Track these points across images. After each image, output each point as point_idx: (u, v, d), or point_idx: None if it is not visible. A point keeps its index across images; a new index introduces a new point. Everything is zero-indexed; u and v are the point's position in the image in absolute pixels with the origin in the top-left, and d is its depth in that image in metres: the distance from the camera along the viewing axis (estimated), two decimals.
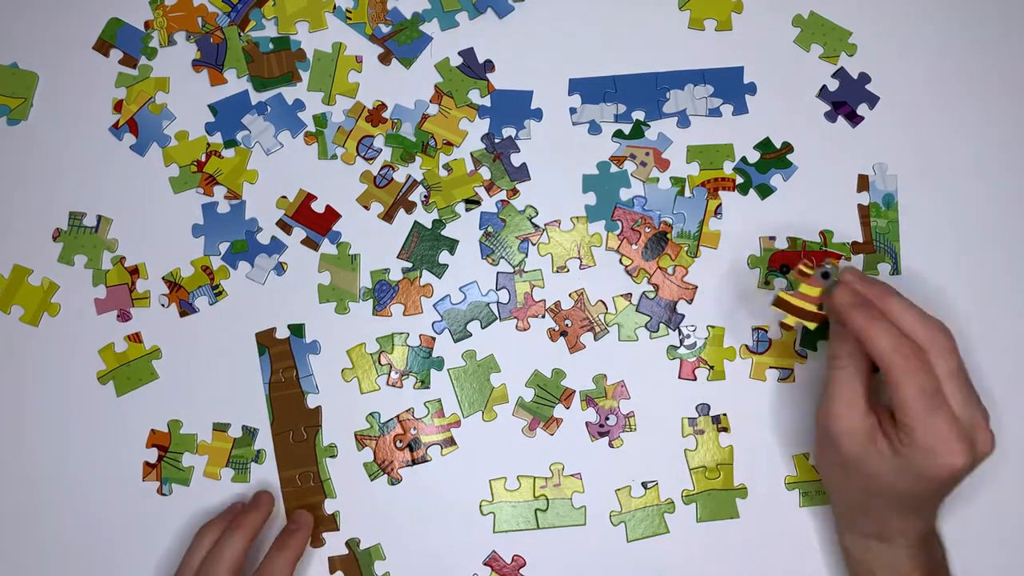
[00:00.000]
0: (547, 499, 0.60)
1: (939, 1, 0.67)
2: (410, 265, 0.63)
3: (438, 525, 0.60)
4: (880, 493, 0.51)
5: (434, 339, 0.62)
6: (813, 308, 0.54)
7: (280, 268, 0.63)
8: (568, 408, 0.61)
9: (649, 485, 0.60)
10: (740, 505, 0.60)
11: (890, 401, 0.49)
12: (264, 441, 0.61)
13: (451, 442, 0.61)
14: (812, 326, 0.54)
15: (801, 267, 0.54)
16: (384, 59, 0.66)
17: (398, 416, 0.61)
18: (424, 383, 0.62)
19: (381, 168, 0.64)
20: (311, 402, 0.62)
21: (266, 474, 0.61)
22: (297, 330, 0.63)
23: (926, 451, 0.48)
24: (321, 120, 0.65)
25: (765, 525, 0.60)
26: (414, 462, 0.61)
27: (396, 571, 0.60)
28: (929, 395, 0.48)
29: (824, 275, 0.53)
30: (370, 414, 0.62)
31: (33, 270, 0.64)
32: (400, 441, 0.61)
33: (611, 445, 0.61)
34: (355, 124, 0.65)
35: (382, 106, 0.65)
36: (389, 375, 0.62)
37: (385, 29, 0.66)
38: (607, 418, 0.61)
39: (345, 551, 0.60)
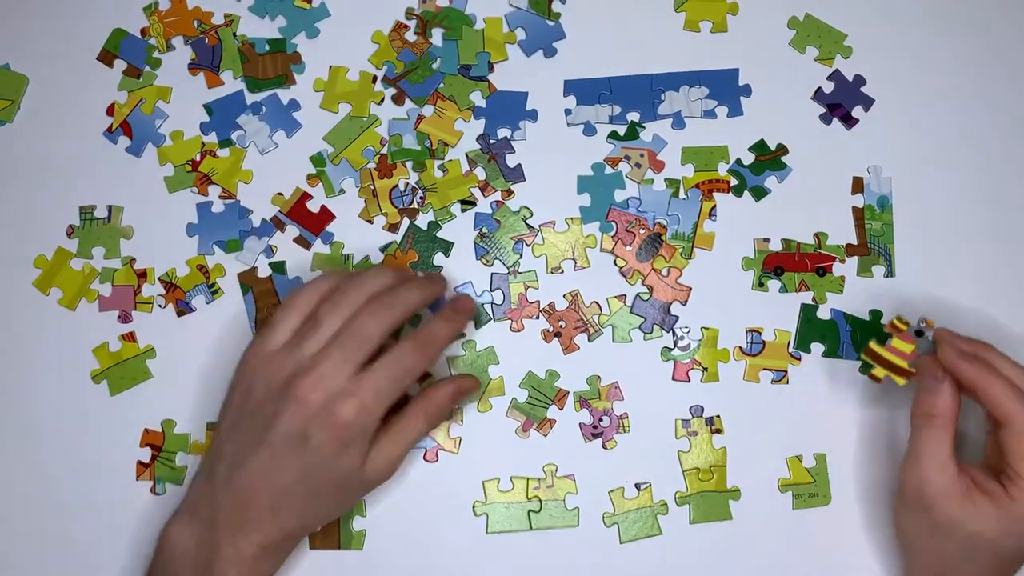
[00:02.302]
0: (540, 500, 0.60)
1: (935, 4, 0.67)
2: (382, 239, 0.63)
3: (430, 526, 0.60)
4: (979, 554, 0.51)
5: None
6: (904, 364, 0.55)
7: (269, 251, 0.64)
8: (562, 409, 0.61)
9: (642, 487, 0.60)
10: (733, 507, 0.60)
11: (1003, 451, 0.50)
12: None
13: (425, 373, 0.61)
14: (901, 382, 0.55)
15: (895, 321, 0.55)
16: (397, 100, 0.66)
17: None
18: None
19: (406, 191, 0.64)
20: None
21: None
22: (279, 267, 0.63)
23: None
24: (319, 160, 0.65)
25: (758, 527, 0.59)
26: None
27: (386, 568, 0.60)
28: None
29: (918, 333, 0.55)
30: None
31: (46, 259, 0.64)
32: None
33: (604, 446, 0.61)
34: (374, 186, 0.64)
35: (383, 157, 0.65)
36: None
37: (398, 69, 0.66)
38: (601, 419, 0.61)
39: None
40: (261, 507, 0.51)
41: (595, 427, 0.61)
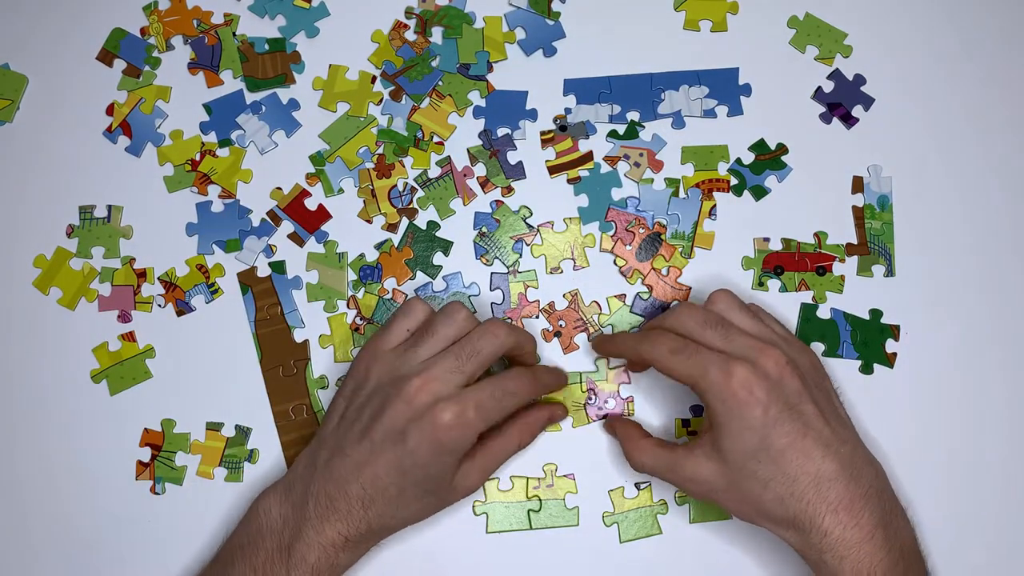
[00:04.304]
0: (540, 499, 0.60)
1: (935, 3, 0.67)
2: (380, 239, 0.63)
3: (430, 526, 0.60)
4: (763, 494, 0.51)
5: (405, 295, 0.62)
6: None
7: (269, 250, 0.64)
8: None
9: (642, 486, 0.60)
10: None
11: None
12: (257, 441, 0.61)
13: None
14: None
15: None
16: (395, 96, 0.66)
17: None
18: None
19: (405, 191, 0.64)
20: (298, 336, 0.62)
21: (261, 474, 0.61)
22: (278, 267, 0.63)
23: (720, 407, 0.49)
24: (319, 159, 0.65)
25: (758, 526, 0.59)
26: None
27: (387, 568, 0.60)
28: (678, 350, 0.51)
29: None
30: (339, 379, 0.62)
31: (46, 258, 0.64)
32: None
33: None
34: (373, 186, 0.64)
35: (381, 157, 0.65)
36: (355, 320, 0.62)
37: (396, 65, 0.66)
38: (607, 401, 0.61)
39: None
40: (352, 498, 0.52)
41: (600, 408, 0.61)
